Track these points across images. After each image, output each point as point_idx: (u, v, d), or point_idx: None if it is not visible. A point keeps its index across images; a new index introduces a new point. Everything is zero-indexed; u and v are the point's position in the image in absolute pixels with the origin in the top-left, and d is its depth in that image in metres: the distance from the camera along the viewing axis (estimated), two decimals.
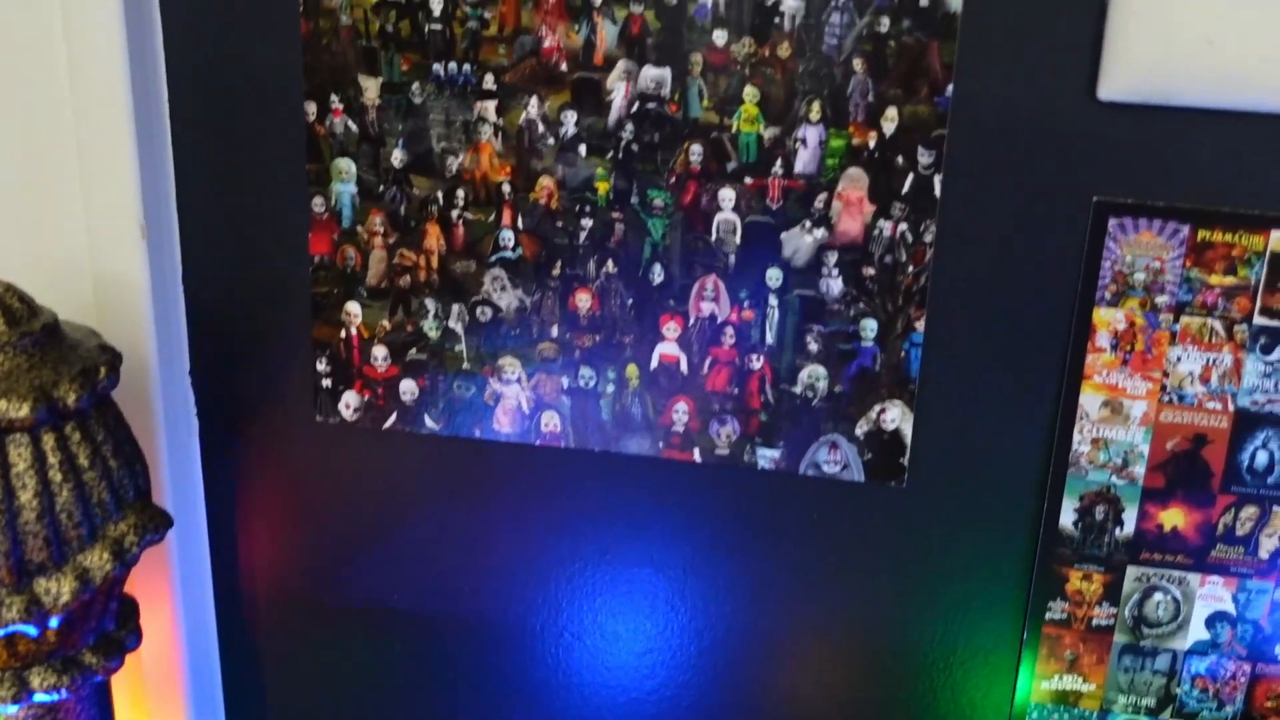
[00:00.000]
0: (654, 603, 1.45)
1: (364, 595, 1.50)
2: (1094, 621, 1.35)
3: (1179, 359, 1.25)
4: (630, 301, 1.34)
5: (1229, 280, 1.22)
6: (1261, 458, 1.27)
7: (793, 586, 1.41)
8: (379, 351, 1.41)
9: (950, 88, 1.23)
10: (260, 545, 1.51)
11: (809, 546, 1.39)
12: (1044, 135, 1.22)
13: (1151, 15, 1.16)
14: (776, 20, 1.24)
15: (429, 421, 1.42)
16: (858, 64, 1.24)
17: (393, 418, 1.43)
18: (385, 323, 1.39)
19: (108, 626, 1.26)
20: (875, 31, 1.22)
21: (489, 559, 1.46)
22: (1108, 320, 1.26)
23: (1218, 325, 1.24)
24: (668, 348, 1.35)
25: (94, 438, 1.19)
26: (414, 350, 1.40)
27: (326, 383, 1.43)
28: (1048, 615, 1.35)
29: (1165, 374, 1.26)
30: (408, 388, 1.41)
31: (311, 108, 1.35)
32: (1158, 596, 1.33)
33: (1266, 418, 1.26)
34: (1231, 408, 1.26)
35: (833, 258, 1.29)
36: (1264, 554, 1.30)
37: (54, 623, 1.18)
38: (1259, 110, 1.18)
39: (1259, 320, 1.23)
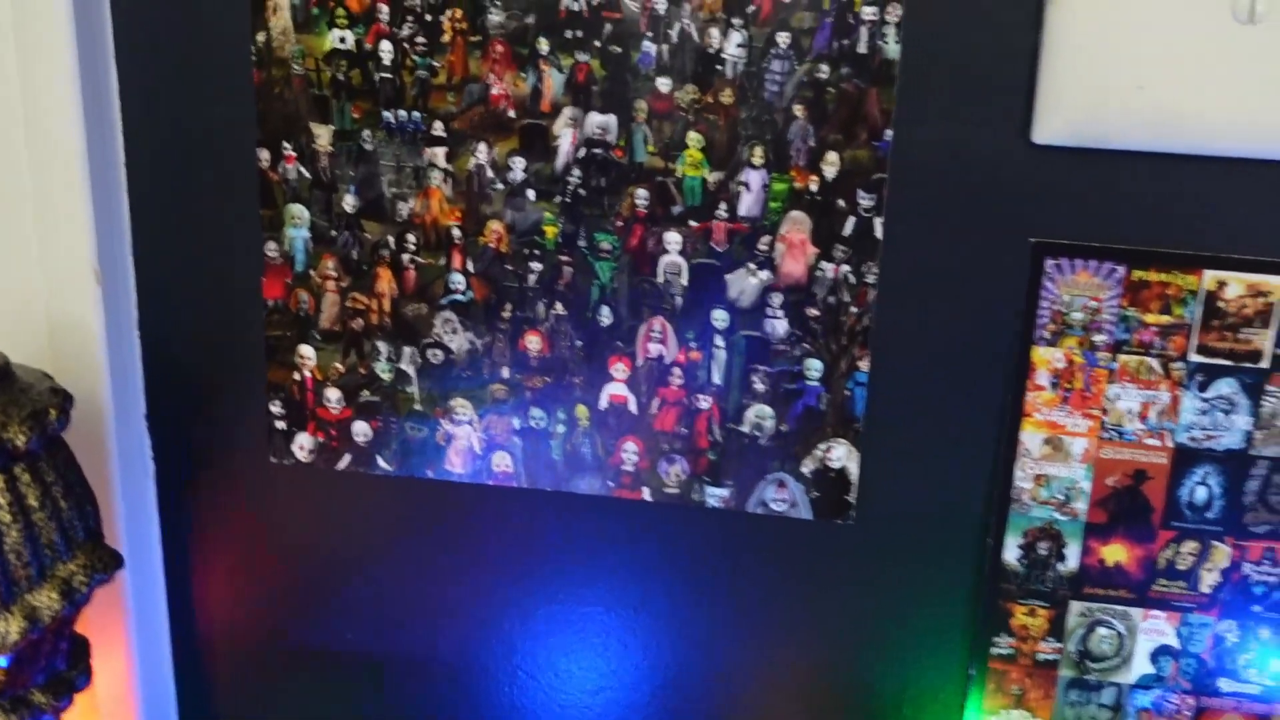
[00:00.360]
0: (606, 641, 1.43)
1: (320, 635, 1.48)
2: (1039, 656, 1.34)
3: (1117, 397, 1.25)
4: (579, 343, 1.33)
5: (1165, 319, 1.22)
6: (1201, 493, 1.26)
7: (743, 624, 1.40)
8: (332, 394, 1.39)
9: (889, 133, 1.23)
10: (217, 586, 1.49)
11: (759, 585, 1.38)
12: (981, 178, 1.22)
13: (1083, 61, 1.16)
14: (719, 67, 1.23)
15: (382, 462, 1.41)
16: (799, 110, 1.23)
17: (346, 459, 1.41)
18: (338, 365, 1.38)
19: (58, 666, 1.24)
20: (815, 78, 1.22)
21: (443, 599, 1.45)
22: (1047, 359, 1.25)
23: (1155, 363, 1.24)
24: (616, 388, 1.34)
25: (44, 479, 1.17)
26: (367, 392, 1.39)
27: (281, 425, 1.41)
28: (994, 651, 1.34)
29: (1104, 411, 1.25)
30: (361, 429, 1.40)
31: (265, 155, 1.34)
32: (1102, 631, 1.32)
33: (1204, 454, 1.25)
34: (1170, 444, 1.25)
35: (777, 299, 1.29)
36: (1205, 588, 1.29)
37: (3, 662, 1.16)
38: (1189, 152, 1.18)
39: (1195, 358, 1.23)
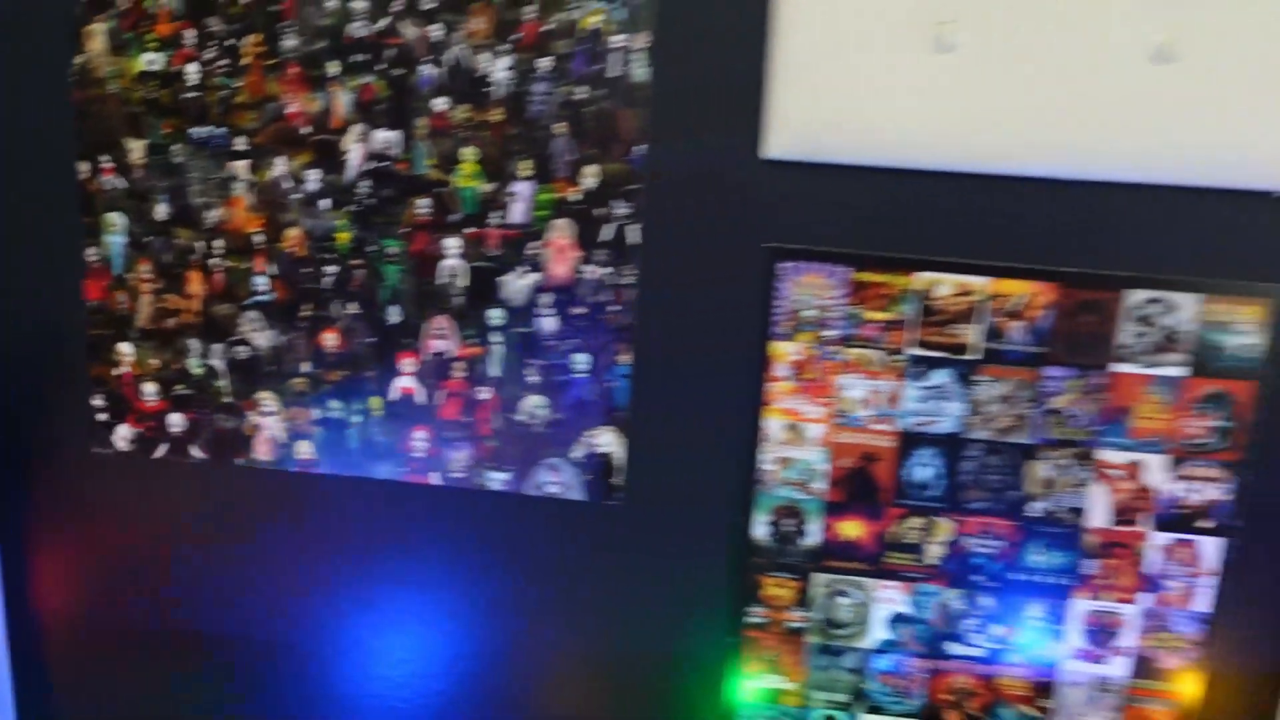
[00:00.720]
0: (405, 617, 1.50)
1: (146, 617, 1.54)
2: (789, 625, 1.42)
3: (847, 386, 1.34)
4: (371, 340, 1.41)
5: (885, 316, 1.31)
6: (922, 473, 1.35)
7: (526, 600, 1.47)
8: (149, 388, 1.46)
9: (640, 148, 1.31)
10: (49, 570, 1.55)
11: (540, 562, 1.45)
12: (722, 189, 1.31)
13: (805, 85, 1.26)
14: (489, 89, 1.32)
15: (195, 451, 1.47)
16: (560, 127, 1.32)
17: (163, 448, 1.48)
18: (154, 361, 1.45)
19: None
20: (574, 99, 1.31)
21: (255, 578, 1.51)
22: (785, 353, 1.34)
23: (878, 356, 1.33)
24: (406, 381, 1.41)
25: None
26: (181, 386, 1.45)
27: (103, 417, 1.48)
28: (748, 620, 1.42)
29: (837, 400, 1.34)
30: (175, 420, 1.47)
31: (84, 167, 1.41)
32: (842, 600, 1.40)
33: (924, 437, 1.34)
34: (895, 429, 1.34)
35: (546, 299, 1.37)
36: (930, 560, 1.37)
37: None
38: (899, 166, 1.27)
39: (914, 351, 1.32)
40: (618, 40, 1.29)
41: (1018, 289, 1.29)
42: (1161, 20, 1.20)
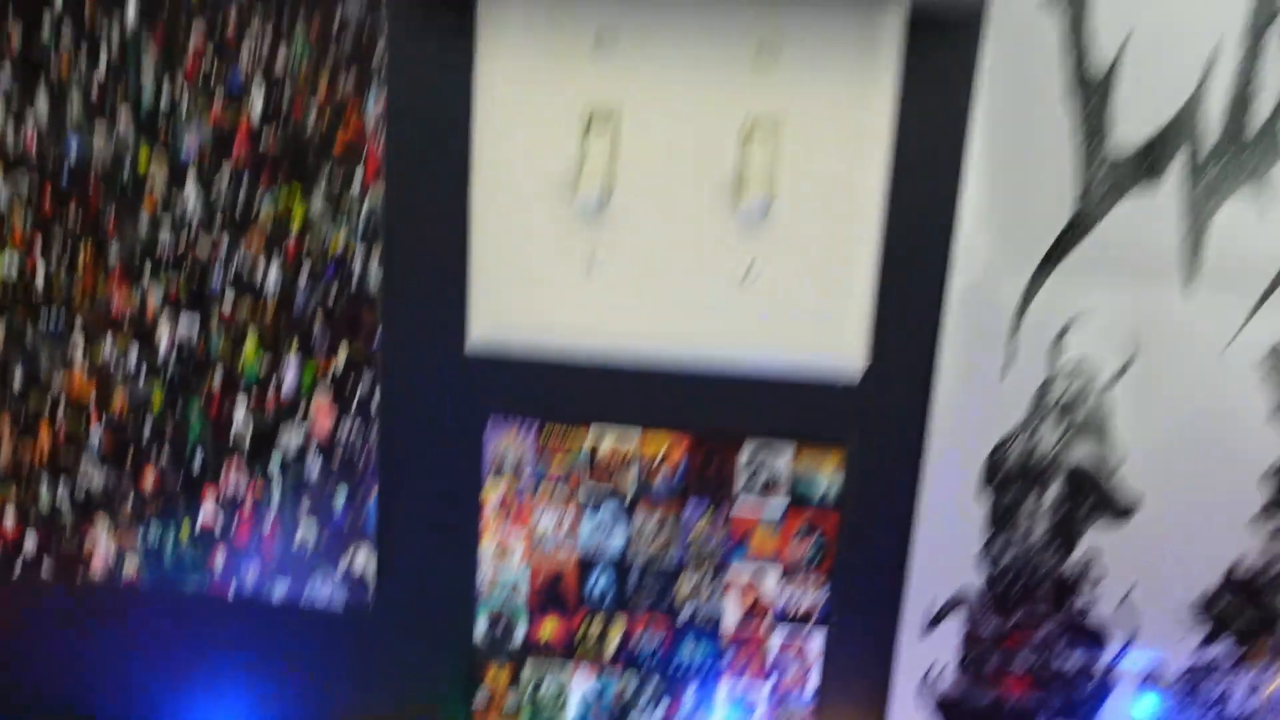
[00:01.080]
0: (212, 708, 1.86)
1: (4, 705, 1.90)
2: (508, 705, 1.79)
3: (540, 517, 1.72)
4: (181, 480, 1.79)
5: (565, 464, 1.70)
6: (600, 585, 1.73)
7: (302, 699, 1.83)
8: (9, 519, 1.84)
9: (378, 335, 1.71)
10: None
11: (312, 658, 1.82)
12: (439, 367, 1.70)
13: (492, 295, 1.65)
14: (261, 289, 1.72)
15: (45, 568, 1.85)
16: (318, 318, 1.72)
17: (17, 566, 1.85)
18: (11, 496, 1.83)
19: None
20: (326, 302, 1.71)
21: (95, 672, 1.87)
22: (494, 491, 1.72)
23: (562, 494, 1.71)
24: (208, 511, 1.79)
25: None
26: (33, 514, 1.83)
27: None
28: (476, 701, 1.79)
29: (533, 529, 1.73)
30: (29, 544, 1.84)
31: None
32: (545, 684, 1.77)
33: (599, 557, 1.72)
34: (577, 551, 1.73)
35: (314, 446, 1.75)
36: (610, 651, 1.75)
37: None
38: (566, 359, 1.67)
39: (587, 491, 1.71)
40: (359, 254, 1.69)
41: (661, 443, 1.68)
42: (744, 252, 1.60)
